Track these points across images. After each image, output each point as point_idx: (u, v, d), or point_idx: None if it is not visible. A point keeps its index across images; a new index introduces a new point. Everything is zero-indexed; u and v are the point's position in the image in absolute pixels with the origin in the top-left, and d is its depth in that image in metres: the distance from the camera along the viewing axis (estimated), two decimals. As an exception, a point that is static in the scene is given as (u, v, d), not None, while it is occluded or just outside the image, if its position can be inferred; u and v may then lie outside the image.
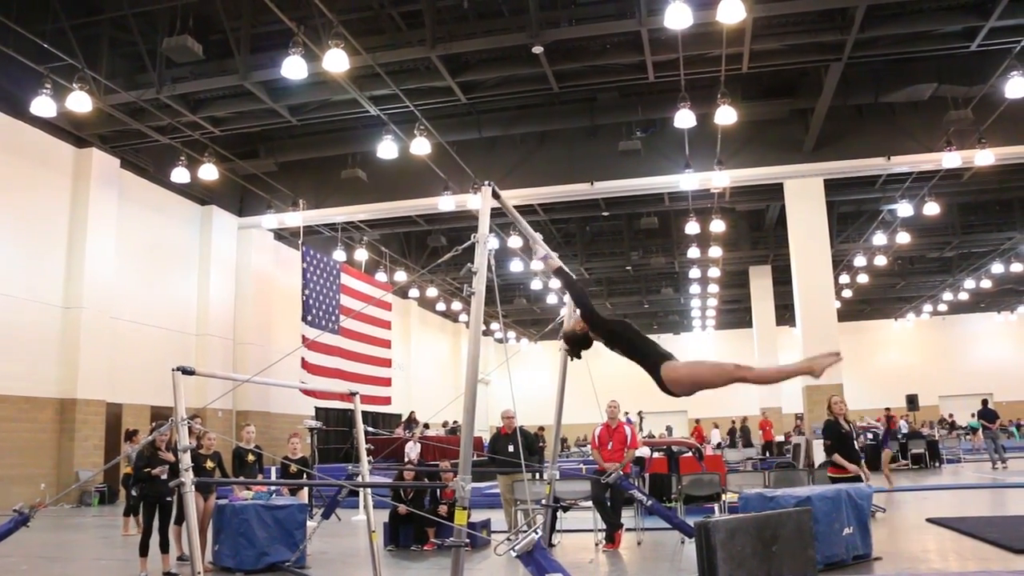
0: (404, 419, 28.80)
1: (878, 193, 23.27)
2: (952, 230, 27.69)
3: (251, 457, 10.78)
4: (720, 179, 19.78)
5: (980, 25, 14.98)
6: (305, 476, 11.72)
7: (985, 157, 18.38)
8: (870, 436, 25.26)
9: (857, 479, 9.56)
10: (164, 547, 9.26)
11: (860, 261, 28.29)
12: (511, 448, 11.57)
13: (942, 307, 40.85)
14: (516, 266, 28.02)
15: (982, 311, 43.53)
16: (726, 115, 15.94)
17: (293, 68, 14.00)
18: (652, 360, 5.04)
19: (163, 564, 9.17)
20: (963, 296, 37.60)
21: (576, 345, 5.68)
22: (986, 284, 34.85)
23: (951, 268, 33.67)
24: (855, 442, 10.16)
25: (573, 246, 29.02)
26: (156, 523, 9.18)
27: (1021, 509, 13.20)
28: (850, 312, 38.68)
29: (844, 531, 8.82)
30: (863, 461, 10.19)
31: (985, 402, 24.52)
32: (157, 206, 21.51)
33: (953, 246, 29.08)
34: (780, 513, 8.07)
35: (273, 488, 10.59)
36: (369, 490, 9.03)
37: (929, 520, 11.59)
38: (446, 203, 20.54)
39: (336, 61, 13.70)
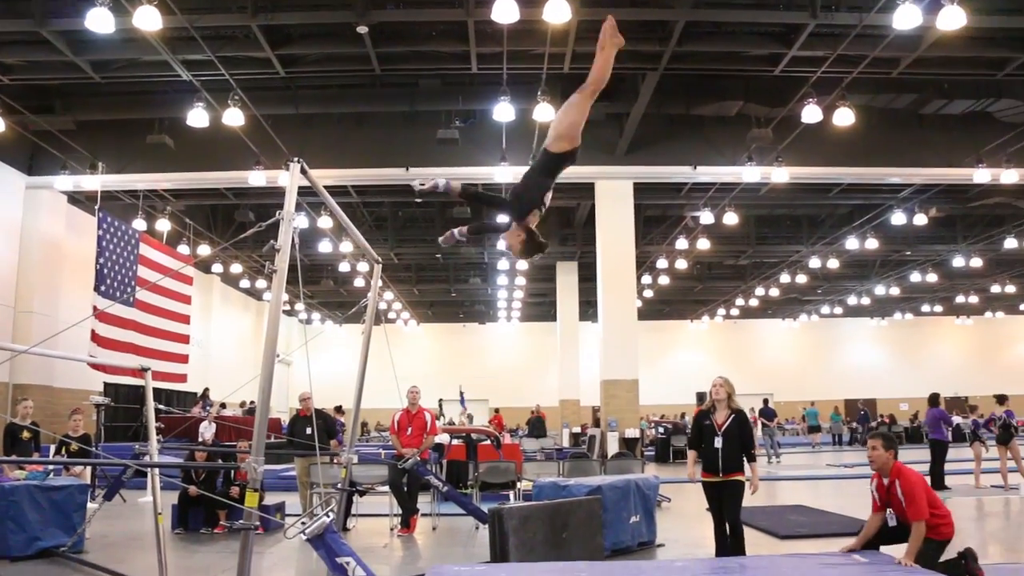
0: (199, 396, 27.83)
1: (683, 200, 24.28)
2: (748, 240, 29.31)
3: (26, 434, 10.13)
4: (535, 174, 20.11)
5: (784, 52, 15.98)
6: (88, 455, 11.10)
7: (781, 175, 19.58)
8: (660, 431, 26.70)
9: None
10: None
11: (662, 263, 29.50)
12: (309, 430, 11.42)
13: (734, 311, 43.13)
14: (325, 247, 27.47)
15: (769, 317, 46.50)
16: (544, 112, 16.25)
17: (99, 21, 12.99)
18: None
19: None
20: (753, 302, 39.84)
21: (534, 249, 5.78)
22: (774, 292, 37.18)
23: (745, 276, 35.52)
24: (719, 438, 7.55)
25: (384, 230, 28.75)
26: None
27: (788, 499, 14.45)
28: (650, 312, 40.27)
29: (631, 519, 9.26)
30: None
31: (766, 401, 26.30)
32: (-71, 157, 19.58)
33: (748, 255, 30.80)
34: (571, 501, 8.38)
35: (51, 468, 9.97)
36: (157, 470, 8.63)
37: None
38: (256, 178, 19.81)
39: (148, 19, 12.87)
